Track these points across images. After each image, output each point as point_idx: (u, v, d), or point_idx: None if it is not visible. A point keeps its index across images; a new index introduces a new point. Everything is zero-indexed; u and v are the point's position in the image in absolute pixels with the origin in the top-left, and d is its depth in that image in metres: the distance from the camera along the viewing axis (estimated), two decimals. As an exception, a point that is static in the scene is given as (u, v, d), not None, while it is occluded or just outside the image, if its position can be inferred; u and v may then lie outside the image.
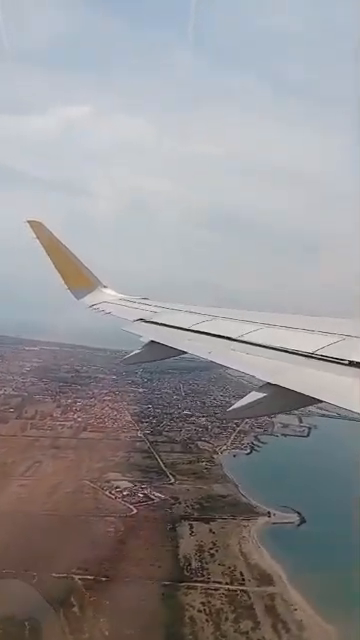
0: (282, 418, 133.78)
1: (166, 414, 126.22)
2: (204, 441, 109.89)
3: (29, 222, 18.50)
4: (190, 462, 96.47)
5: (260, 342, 8.18)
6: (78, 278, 18.31)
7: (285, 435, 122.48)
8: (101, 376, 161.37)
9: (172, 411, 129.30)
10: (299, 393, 6.16)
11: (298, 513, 79.46)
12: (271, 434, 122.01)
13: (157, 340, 10.61)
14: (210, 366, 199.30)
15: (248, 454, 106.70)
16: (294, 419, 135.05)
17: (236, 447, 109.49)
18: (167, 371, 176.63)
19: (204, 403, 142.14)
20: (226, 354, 8.50)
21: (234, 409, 6.77)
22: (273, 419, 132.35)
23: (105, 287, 18.59)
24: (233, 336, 8.85)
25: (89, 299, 17.72)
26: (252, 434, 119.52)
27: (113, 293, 18.15)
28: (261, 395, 6.52)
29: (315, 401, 6.07)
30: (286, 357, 7.27)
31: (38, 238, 18.29)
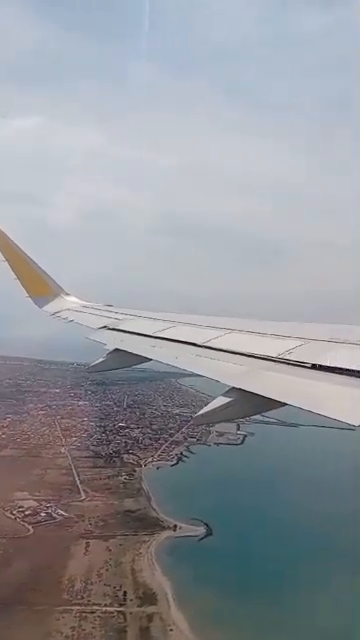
0: (219, 426, 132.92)
1: (99, 427, 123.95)
2: (131, 454, 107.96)
3: None
4: (108, 477, 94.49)
5: (225, 347, 8.26)
6: (40, 286, 17.94)
7: (218, 444, 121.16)
8: (43, 390, 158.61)
9: (106, 424, 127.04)
10: (264, 397, 6.21)
11: (206, 525, 78.02)
12: (204, 443, 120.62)
13: (121, 348, 10.53)
14: (162, 376, 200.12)
15: (173, 465, 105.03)
16: (232, 427, 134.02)
17: (163, 459, 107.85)
18: (116, 382, 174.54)
19: (143, 414, 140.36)
20: (192, 360, 8.51)
21: (200, 415, 6.64)
22: (210, 428, 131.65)
23: (67, 294, 18.23)
24: (198, 342, 8.90)
25: (51, 307, 17.38)
26: (184, 444, 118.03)
27: (76, 300, 17.83)
28: (227, 400, 6.53)
29: (280, 404, 6.11)
30: (250, 362, 7.38)
31: None
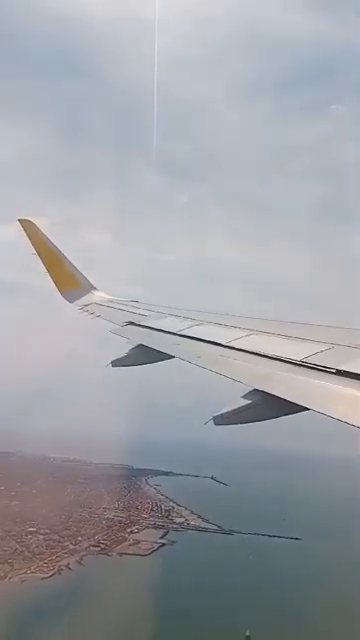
0: (141, 534, 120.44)
1: (3, 532, 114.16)
2: (7, 563, 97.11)
3: (20, 221, 17.84)
4: None
5: (249, 349, 8.23)
6: (69, 280, 17.90)
7: (122, 554, 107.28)
8: (2, 488, 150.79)
9: (14, 528, 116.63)
10: (285, 400, 6.18)
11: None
12: (106, 553, 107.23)
13: (145, 344, 10.65)
14: (135, 473, 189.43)
15: (44, 579, 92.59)
16: (157, 534, 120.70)
17: (40, 571, 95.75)
18: (77, 479, 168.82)
19: (70, 517, 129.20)
20: (214, 360, 8.51)
21: (220, 415, 6.47)
22: (127, 535, 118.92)
23: (96, 289, 18.21)
24: (222, 342, 8.90)
25: (81, 302, 17.28)
26: (81, 554, 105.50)
27: (103, 295, 17.77)
28: (247, 402, 6.51)
29: (301, 408, 6.07)
30: (274, 364, 7.31)
31: (29, 237, 17.66)
